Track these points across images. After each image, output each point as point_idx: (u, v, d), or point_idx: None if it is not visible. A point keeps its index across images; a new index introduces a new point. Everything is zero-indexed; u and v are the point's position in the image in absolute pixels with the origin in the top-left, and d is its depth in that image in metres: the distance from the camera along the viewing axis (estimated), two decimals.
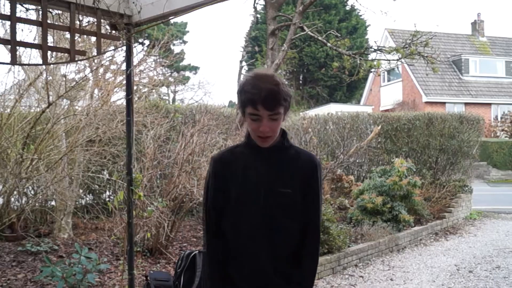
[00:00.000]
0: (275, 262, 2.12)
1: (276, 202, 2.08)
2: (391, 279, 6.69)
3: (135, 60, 6.90)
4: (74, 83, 6.33)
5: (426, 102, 26.22)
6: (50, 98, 5.68)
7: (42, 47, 3.59)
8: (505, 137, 25.05)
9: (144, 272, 5.24)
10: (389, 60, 10.26)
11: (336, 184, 10.58)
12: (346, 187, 10.46)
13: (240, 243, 2.14)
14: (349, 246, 7.37)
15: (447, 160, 12.09)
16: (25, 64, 5.99)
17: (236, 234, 2.14)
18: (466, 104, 26.49)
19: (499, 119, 27.19)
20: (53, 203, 6.99)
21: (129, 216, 4.28)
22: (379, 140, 11.91)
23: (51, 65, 5.97)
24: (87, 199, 8.12)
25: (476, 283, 6.51)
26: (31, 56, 6.08)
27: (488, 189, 17.77)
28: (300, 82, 33.33)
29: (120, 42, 4.45)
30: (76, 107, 6.88)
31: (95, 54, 5.68)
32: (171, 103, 17.02)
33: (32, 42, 4.89)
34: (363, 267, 7.29)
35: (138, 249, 5.78)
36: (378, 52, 10.26)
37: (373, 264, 7.50)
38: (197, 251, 4.84)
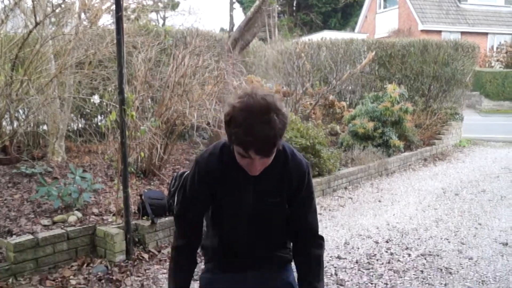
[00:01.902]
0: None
1: (264, 212, 1.98)
2: (379, 201, 6.89)
3: None
4: (62, 1, 6.13)
5: (422, 31, 25.76)
6: (37, 18, 5.52)
7: None
8: (500, 67, 24.88)
9: (138, 191, 5.34)
10: None
11: (328, 110, 10.61)
12: (338, 113, 10.49)
13: (224, 244, 2.07)
14: (339, 170, 7.53)
15: (440, 88, 12.08)
16: None
17: (220, 239, 2.07)
18: (462, 33, 26.01)
19: (494, 49, 26.89)
20: (45, 127, 6.99)
21: (122, 136, 4.30)
22: (373, 66, 11.81)
23: None
24: (79, 123, 8.11)
25: (461, 204, 6.72)
26: None
27: (479, 118, 17.92)
28: (294, 8, 32.48)
29: None
30: (64, 30, 6.70)
31: None
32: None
33: None
34: (353, 190, 7.48)
35: (132, 171, 5.85)
36: None
37: (362, 187, 7.70)
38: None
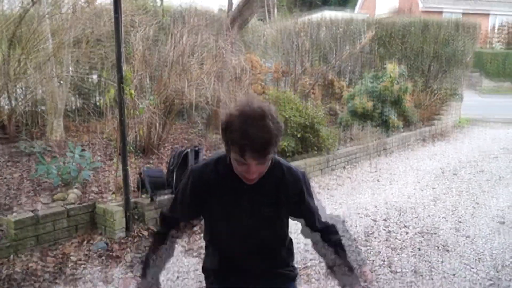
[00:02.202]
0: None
1: (260, 224, 1.97)
2: (378, 180, 6.92)
3: None
4: None
5: (423, 11, 25.52)
6: None
7: None
8: (501, 48, 24.73)
9: (138, 169, 5.35)
10: None
11: (327, 90, 10.57)
12: (337, 92, 10.46)
13: (224, 262, 2.08)
14: (338, 149, 7.53)
15: (440, 68, 12.03)
16: None
17: (219, 256, 2.07)
18: (463, 13, 25.78)
19: (496, 29, 26.69)
20: (43, 107, 6.96)
21: (120, 113, 4.29)
22: (373, 46, 11.73)
23: None
24: (78, 102, 8.08)
25: (459, 184, 6.75)
26: None
27: (479, 99, 17.88)
28: None
29: None
30: (62, 10, 6.64)
31: None
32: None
33: None
34: (351, 169, 7.50)
35: (131, 149, 5.86)
36: None
37: (361, 166, 7.72)
38: (189, 149, 4.94)
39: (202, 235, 4.54)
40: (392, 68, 9.21)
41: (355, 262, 2.04)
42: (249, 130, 1.67)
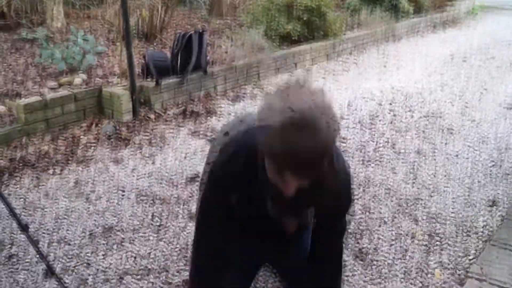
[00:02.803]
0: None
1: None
2: (385, 66, 6.82)
3: None
4: None
5: None
6: None
7: None
8: None
9: (141, 53, 5.27)
10: None
11: None
12: None
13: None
14: (345, 34, 7.33)
15: None
16: None
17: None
18: None
19: None
20: None
21: None
22: None
23: None
24: None
25: (468, 70, 6.66)
26: None
27: None
28: None
29: None
30: None
31: None
32: None
33: None
34: (358, 54, 7.36)
35: (134, 34, 5.73)
36: None
37: (368, 52, 7.56)
38: (193, 31, 4.82)
39: (208, 117, 4.61)
40: None
41: None
42: (297, 143, 1.16)
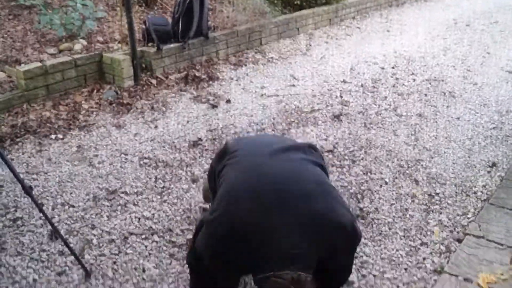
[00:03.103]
0: None
1: None
2: (388, 31, 6.75)
3: None
4: None
5: None
6: None
7: None
8: None
9: (142, 19, 5.22)
10: None
11: None
12: None
13: None
14: None
15: None
16: None
17: None
18: None
19: None
20: None
21: None
22: None
23: None
24: None
25: (471, 35, 6.59)
26: None
27: None
28: None
29: None
30: None
31: None
32: None
33: None
34: (361, 20, 7.28)
35: (134, 0, 5.66)
36: None
37: (371, 17, 7.48)
38: None
39: (210, 82, 4.59)
40: None
41: None
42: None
